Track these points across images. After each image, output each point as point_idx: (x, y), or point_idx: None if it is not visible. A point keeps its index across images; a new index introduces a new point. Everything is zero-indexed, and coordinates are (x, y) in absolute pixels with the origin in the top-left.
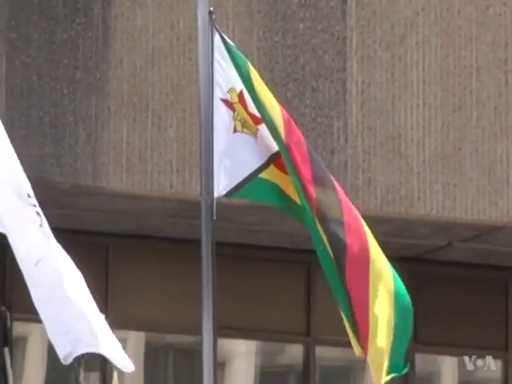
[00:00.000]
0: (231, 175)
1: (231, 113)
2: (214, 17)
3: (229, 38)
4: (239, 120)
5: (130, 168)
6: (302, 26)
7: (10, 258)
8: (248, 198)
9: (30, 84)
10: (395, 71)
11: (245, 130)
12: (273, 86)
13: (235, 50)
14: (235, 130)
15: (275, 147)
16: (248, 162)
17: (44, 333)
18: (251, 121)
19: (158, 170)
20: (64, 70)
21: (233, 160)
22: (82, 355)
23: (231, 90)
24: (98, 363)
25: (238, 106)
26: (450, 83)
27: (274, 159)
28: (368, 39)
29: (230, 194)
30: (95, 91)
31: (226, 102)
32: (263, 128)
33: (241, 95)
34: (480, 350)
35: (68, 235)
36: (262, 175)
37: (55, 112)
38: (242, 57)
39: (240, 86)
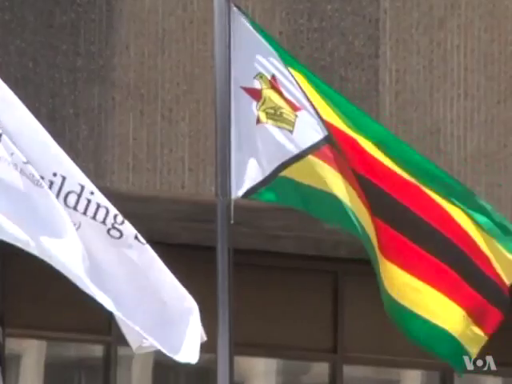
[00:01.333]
0: (250, 173)
1: (254, 102)
2: None
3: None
4: (263, 110)
5: (136, 166)
6: (329, 7)
7: (3, 270)
8: (267, 200)
9: (26, 72)
10: (434, 58)
11: (270, 120)
12: None
13: (265, 32)
14: (258, 121)
15: (318, 135)
16: (271, 158)
17: (40, 349)
18: (288, 107)
19: (169, 168)
20: (63, 57)
21: (253, 156)
22: None
23: (260, 75)
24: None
25: (269, 93)
26: (495, 71)
27: (316, 148)
28: (403, 22)
29: (248, 194)
30: (98, 80)
31: (248, 90)
32: (304, 115)
33: (273, 80)
34: None
35: None
36: (286, 173)
37: (53, 103)
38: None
39: (272, 70)
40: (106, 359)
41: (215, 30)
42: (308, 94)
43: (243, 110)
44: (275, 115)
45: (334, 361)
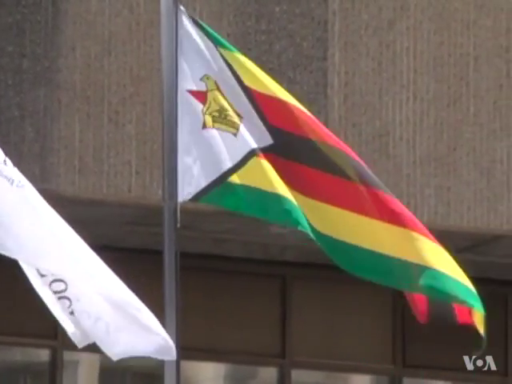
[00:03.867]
0: (198, 177)
1: (200, 106)
2: None
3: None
4: (209, 113)
5: (83, 169)
6: (277, 9)
7: None
8: (215, 203)
9: None
10: (383, 60)
11: (216, 124)
12: None
13: (213, 32)
14: (204, 126)
15: (263, 141)
16: (217, 163)
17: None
18: (232, 111)
19: (115, 171)
20: (9, 58)
21: (200, 160)
22: None
23: (206, 77)
24: None
25: (214, 94)
26: (445, 74)
27: (260, 149)
28: (352, 24)
29: (195, 198)
30: (44, 82)
31: (194, 93)
32: (247, 117)
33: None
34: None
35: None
36: (233, 178)
37: None
38: (222, 40)
39: (217, 71)
40: (51, 364)
41: (162, 32)
42: (250, 84)
43: (189, 113)
44: (220, 118)
45: (282, 365)
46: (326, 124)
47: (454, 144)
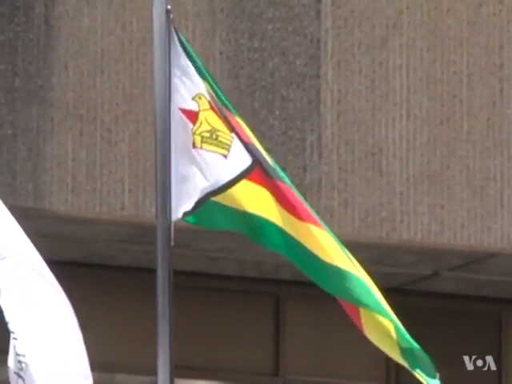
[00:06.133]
0: (190, 197)
1: (190, 125)
2: (171, 16)
3: (188, 40)
4: (199, 134)
5: (76, 187)
6: (270, 26)
7: None
8: (198, 224)
9: None
10: (376, 78)
11: (205, 145)
12: (238, 94)
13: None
14: (194, 146)
15: (249, 158)
16: (204, 184)
17: None
18: (226, 128)
19: (108, 189)
20: (1, 77)
21: (190, 180)
22: None
23: (198, 96)
24: None
25: (208, 114)
26: (438, 92)
27: (249, 172)
28: (345, 42)
29: (185, 216)
30: (36, 100)
31: (186, 112)
32: (236, 137)
33: (212, 100)
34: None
35: None
36: (220, 199)
37: None
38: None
39: (210, 91)
40: None
41: (155, 50)
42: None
43: (181, 132)
44: (210, 138)
45: None
46: (319, 141)
47: (447, 162)
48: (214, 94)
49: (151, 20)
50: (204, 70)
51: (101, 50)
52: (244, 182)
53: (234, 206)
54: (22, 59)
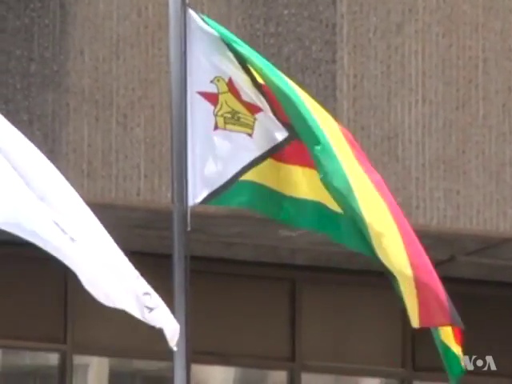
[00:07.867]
0: (208, 180)
1: (211, 107)
2: (187, 1)
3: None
4: (221, 115)
5: (91, 173)
6: (286, 12)
7: None
8: (227, 204)
9: None
10: (391, 63)
11: (228, 125)
12: None
13: (224, 30)
14: (216, 127)
15: (280, 136)
16: (230, 163)
17: None
18: (246, 110)
19: (124, 175)
20: (17, 62)
21: (211, 162)
22: None
23: (217, 79)
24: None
25: (227, 97)
26: (454, 77)
27: (276, 150)
28: (361, 27)
29: (206, 200)
30: (52, 86)
31: (205, 94)
32: (262, 117)
33: (230, 83)
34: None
35: (24, 251)
36: (247, 177)
37: (7, 109)
38: (235, 38)
39: (229, 72)
40: (61, 368)
41: (170, 34)
42: (266, 93)
43: (200, 115)
44: (233, 119)
45: (292, 369)
46: None
47: (462, 147)
48: (241, 70)
49: (167, 5)
50: (234, 41)
51: (116, 36)
52: (270, 161)
53: (260, 182)
54: (37, 45)
